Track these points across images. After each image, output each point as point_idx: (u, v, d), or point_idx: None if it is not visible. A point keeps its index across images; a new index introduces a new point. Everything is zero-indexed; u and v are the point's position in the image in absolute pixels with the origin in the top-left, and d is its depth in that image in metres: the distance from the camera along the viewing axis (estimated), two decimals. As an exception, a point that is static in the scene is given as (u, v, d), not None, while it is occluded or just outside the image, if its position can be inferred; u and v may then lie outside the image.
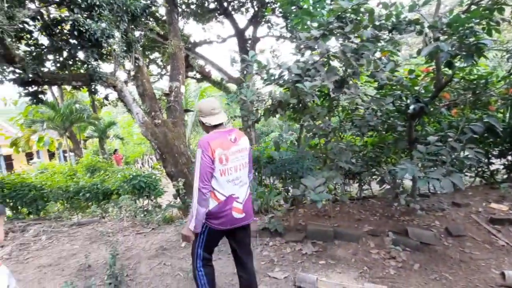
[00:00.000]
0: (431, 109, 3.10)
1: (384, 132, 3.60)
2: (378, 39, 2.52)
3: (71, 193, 5.54)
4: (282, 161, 2.61)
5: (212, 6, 11.45)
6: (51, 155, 22.87)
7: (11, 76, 4.66)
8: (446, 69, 2.84)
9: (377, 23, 2.37)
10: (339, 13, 2.34)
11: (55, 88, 12.91)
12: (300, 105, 3.10)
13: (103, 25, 4.25)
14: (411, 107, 2.85)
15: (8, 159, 19.45)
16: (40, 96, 5.09)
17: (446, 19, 2.35)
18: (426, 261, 2.60)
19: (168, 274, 2.71)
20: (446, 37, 2.36)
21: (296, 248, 2.97)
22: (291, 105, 3.15)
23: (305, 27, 4.33)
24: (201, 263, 1.90)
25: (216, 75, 14.35)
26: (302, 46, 2.69)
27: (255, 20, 11.76)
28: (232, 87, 14.72)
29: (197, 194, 1.73)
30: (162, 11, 9.95)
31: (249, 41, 12.57)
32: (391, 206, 3.65)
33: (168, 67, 12.38)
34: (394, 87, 3.20)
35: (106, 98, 5.61)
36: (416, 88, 3.19)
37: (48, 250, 3.43)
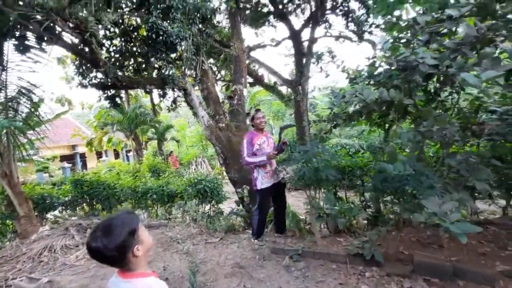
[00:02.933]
0: None
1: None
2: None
3: (139, 194, 5.70)
4: (395, 176, 2.08)
5: (265, 9, 11.23)
6: (116, 155, 25.35)
7: (93, 81, 4.96)
8: None
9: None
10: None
11: (122, 93, 14.11)
12: (408, 107, 2.53)
13: (177, 28, 4.22)
14: None
15: (82, 156, 22.01)
16: (116, 99, 5.34)
17: None
18: None
19: (250, 300, 2.37)
20: None
21: (404, 285, 2.38)
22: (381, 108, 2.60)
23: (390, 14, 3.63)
24: None
25: (268, 78, 14.18)
26: (420, 32, 2.13)
27: (314, 20, 11.23)
28: (284, 90, 14.34)
29: None
30: (219, 17, 10.06)
31: (304, 43, 12.09)
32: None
33: (222, 72, 12.60)
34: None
35: (174, 101, 5.68)
36: None
37: (124, 253, 3.40)
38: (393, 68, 2.40)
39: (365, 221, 3.80)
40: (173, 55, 5.02)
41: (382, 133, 3.85)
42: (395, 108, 2.25)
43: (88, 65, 4.51)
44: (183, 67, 5.14)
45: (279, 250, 3.04)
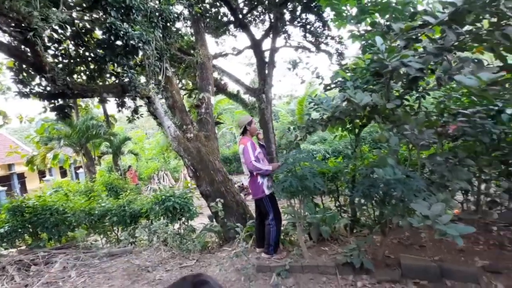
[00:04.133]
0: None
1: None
2: None
3: (96, 217, 5.03)
4: (383, 181, 2.05)
5: (225, 19, 11.19)
6: (63, 173, 22.69)
7: (36, 89, 4.28)
8: None
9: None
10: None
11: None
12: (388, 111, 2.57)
13: (139, 31, 3.87)
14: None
15: (21, 177, 19.25)
16: (66, 110, 4.67)
17: None
18: None
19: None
20: None
21: (397, 291, 2.34)
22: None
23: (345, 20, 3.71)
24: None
25: (231, 87, 14.08)
26: (397, 40, 2.17)
27: (274, 31, 11.49)
28: (247, 98, 14.36)
29: None
30: (178, 24, 9.71)
31: (266, 52, 12.29)
32: (490, 232, 3.02)
33: (184, 81, 12.15)
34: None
35: (135, 111, 5.16)
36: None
37: (82, 291, 2.87)
38: (369, 72, 2.40)
39: (341, 226, 3.78)
40: (131, 63, 4.60)
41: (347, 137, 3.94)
42: (379, 112, 2.25)
43: (30, 70, 3.87)
44: (145, 74, 4.72)
45: (264, 267, 2.82)
